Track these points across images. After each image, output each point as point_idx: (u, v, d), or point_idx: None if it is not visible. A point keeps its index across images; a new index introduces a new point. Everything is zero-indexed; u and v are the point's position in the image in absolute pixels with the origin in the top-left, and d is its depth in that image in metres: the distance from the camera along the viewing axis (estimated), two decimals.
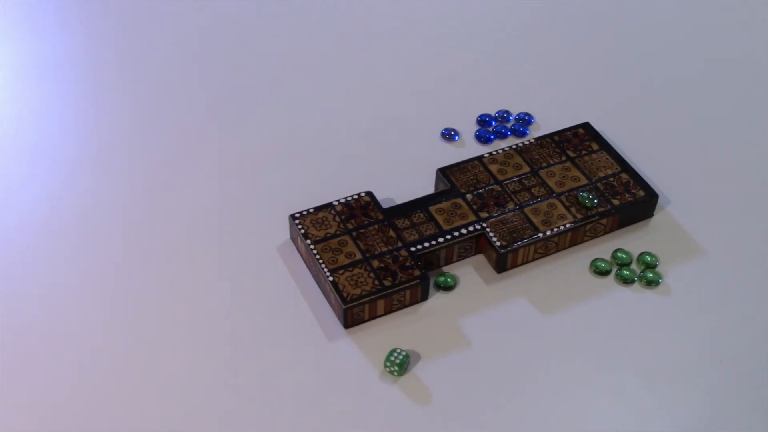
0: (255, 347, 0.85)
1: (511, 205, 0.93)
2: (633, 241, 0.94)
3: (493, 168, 0.97)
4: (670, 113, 1.07)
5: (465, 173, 0.96)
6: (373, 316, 0.87)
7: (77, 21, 1.18)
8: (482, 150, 1.03)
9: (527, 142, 0.99)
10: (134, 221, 0.95)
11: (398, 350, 0.83)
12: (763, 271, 0.92)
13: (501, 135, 1.04)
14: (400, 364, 0.83)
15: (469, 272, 0.92)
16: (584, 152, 0.98)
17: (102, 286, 0.90)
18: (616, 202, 0.94)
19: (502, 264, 0.91)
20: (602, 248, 0.93)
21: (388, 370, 0.83)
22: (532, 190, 0.94)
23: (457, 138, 1.04)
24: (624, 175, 0.96)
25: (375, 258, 0.88)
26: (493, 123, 1.05)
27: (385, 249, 0.89)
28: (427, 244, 0.90)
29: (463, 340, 0.86)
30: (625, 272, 0.91)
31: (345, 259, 0.88)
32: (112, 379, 0.83)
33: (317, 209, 0.92)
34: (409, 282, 0.87)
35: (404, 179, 0.99)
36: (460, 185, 0.95)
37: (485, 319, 0.88)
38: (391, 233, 0.91)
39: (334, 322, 0.87)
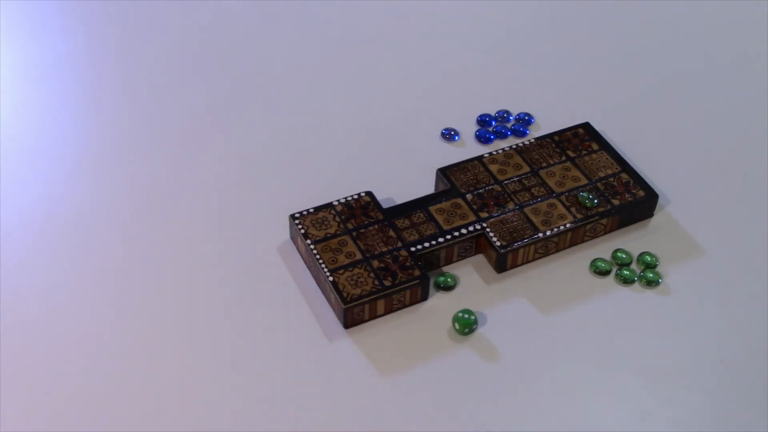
0: (255, 347, 0.85)
1: (511, 205, 0.93)
2: (633, 241, 0.94)
3: (493, 168, 0.97)
4: (670, 113, 1.07)
5: (465, 173, 0.96)
6: (373, 316, 0.87)
7: (77, 21, 1.18)
8: (482, 150, 1.03)
9: (527, 142, 0.99)
10: (134, 221, 0.95)
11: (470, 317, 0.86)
12: (763, 271, 0.92)
13: (501, 135, 1.04)
14: (470, 323, 0.85)
15: (469, 272, 0.92)
16: (584, 152, 0.98)
17: (102, 286, 0.90)
18: (616, 202, 0.94)
19: (502, 264, 0.91)
20: (602, 248, 0.93)
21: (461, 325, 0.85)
22: (532, 190, 0.94)
23: (457, 138, 1.04)
24: (624, 175, 0.96)
25: (375, 258, 0.88)
26: (493, 123, 1.05)
27: (385, 249, 0.89)
28: (427, 244, 0.90)
29: (463, 340, 0.86)
30: (625, 272, 0.91)
31: (345, 259, 0.88)
32: (111, 379, 0.83)
33: (317, 209, 0.92)
34: (409, 282, 0.87)
35: (404, 179, 0.99)
36: (460, 185, 0.95)
37: (485, 319, 0.88)
38: (391, 233, 0.90)
39: (334, 322, 0.87)
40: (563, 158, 0.98)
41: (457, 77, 1.11)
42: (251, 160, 1.01)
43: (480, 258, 0.93)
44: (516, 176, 0.96)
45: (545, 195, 0.94)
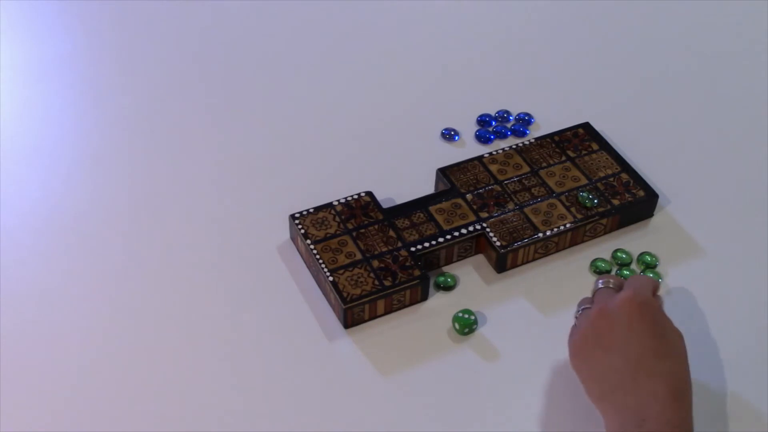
0: (255, 347, 0.85)
1: (511, 205, 0.93)
2: (633, 241, 0.94)
3: (493, 168, 0.97)
4: (670, 113, 1.07)
5: (465, 173, 0.96)
6: (373, 316, 0.87)
7: (77, 21, 1.18)
8: (482, 150, 1.03)
9: (527, 142, 0.99)
10: (134, 221, 0.95)
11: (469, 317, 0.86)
12: (763, 271, 0.92)
13: (501, 135, 1.04)
14: (470, 323, 0.85)
15: (469, 272, 0.92)
16: (584, 152, 0.98)
17: (102, 286, 0.90)
18: (616, 202, 0.94)
19: (502, 264, 0.91)
20: (602, 248, 0.93)
21: (461, 325, 0.85)
22: (532, 190, 0.94)
23: (457, 138, 1.04)
24: (624, 175, 0.96)
25: (375, 258, 0.88)
26: (493, 123, 1.05)
27: (385, 249, 0.89)
28: (427, 244, 0.90)
29: (463, 340, 0.86)
30: (625, 272, 0.90)
31: (345, 259, 0.88)
32: (111, 379, 0.83)
33: (317, 209, 0.92)
34: (409, 282, 0.87)
35: (404, 179, 0.99)
36: (460, 185, 0.95)
37: (485, 319, 0.88)
38: (391, 233, 0.90)
39: (334, 322, 0.87)
40: (563, 158, 0.98)
41: (457, 77, 1.11)
42: (251, 160, 1.01)
43: (480, 258, 0.93)
44: (516, 176, 0.96)
45: (545, 195, 0.94)
